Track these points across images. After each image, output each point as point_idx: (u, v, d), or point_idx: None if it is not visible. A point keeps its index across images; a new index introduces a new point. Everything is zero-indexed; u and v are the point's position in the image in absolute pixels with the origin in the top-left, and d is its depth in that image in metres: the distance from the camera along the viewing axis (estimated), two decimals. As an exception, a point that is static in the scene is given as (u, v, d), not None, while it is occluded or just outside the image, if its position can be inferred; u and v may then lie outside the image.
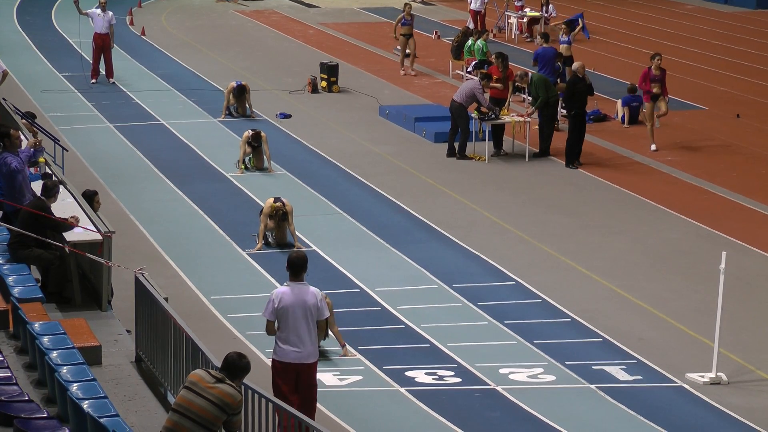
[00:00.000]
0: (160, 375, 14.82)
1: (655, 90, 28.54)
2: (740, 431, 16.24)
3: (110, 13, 34.90)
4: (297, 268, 14.35)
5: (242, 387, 12.21)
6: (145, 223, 23.44)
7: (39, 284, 17.04)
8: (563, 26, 34.27)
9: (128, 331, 16.62)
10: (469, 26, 39.17)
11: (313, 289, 14.39)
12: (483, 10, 42.94)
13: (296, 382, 14.11)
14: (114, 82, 35.35)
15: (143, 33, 42.52)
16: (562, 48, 33.29)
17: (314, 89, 35.13)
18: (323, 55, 39.40)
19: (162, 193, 25.58)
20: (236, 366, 11.80)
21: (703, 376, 17.57)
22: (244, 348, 17.24)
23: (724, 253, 17.84)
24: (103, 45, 34.90)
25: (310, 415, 13.08)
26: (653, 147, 28.69)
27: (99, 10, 34.72)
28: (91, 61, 35.55)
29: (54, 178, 19.49)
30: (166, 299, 15.21)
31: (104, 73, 35.42)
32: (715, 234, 23.58)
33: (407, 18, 37.32)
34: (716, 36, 46.37)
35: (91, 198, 18.01)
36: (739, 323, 18.86)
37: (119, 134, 30.38)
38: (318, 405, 16.20)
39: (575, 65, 28.90)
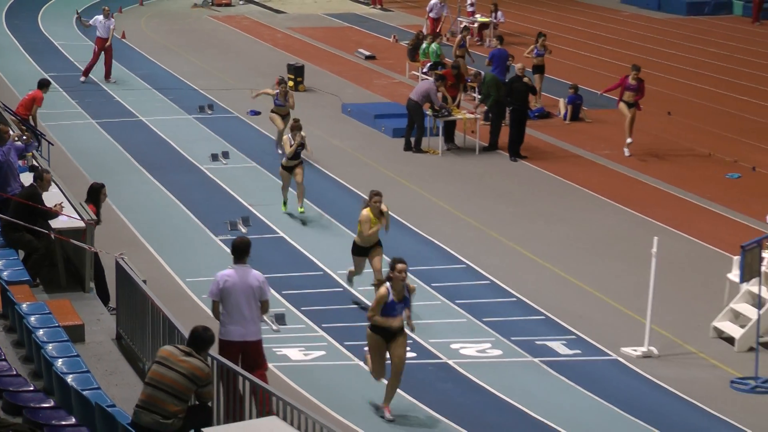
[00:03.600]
0: (139, 351, 14.80)
1: (627, 99, 28.39)
2: (669, 400, 16.33)
3: (112, 20, 35.62)
4: (240, 252, 14.27)
5: (210, 360, 12.23)
6: (125, 211, 23.36)
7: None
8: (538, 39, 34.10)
9: (113, 309, 16.58)
10: (423, 31, 39.10)
11: (255, 272, 14.28)
12: (440, 17, 43.10)
13: (242, 360, 13.99)
14: (115, 82, 35.53)
15: (123, 36, 42.28)
16: (536, 60, 33.29)
17: (282, 88, 35.15)
18: (290, 57, 39.29)
19: (141, 184, 25.52)
20: (202, 339, 11.84)
21: (636, 350, 17.68)
22: (215, 325, 17.19)
23: (655, 238, 17.95)
24: (104, 48, 35.20)
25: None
26: (627, 152, 28.60)
27: (102, 17, 35.26)
28: (89, 61, 35.65)
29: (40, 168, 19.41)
30: (145, 281, 15.19)
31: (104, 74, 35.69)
32: (648, 221, 23.71)
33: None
34: (650, 40, 46.48)
35: (98, 191, 17.86)
36: (669, 302, 18.95)
37: (101, 130, 30.26)
38: (284, 377, 16.31)
39: (517, 66, 29.02)
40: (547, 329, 18.48)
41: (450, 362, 17.23)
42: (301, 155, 23.29)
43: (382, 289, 15.14)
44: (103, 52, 35.32)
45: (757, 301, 17.70)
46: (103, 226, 18.20)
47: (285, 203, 23.58)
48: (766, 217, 19.32)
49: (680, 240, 22.62)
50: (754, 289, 17.84)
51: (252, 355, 14.12)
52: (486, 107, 29.33)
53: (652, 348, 17.67)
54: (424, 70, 34.38)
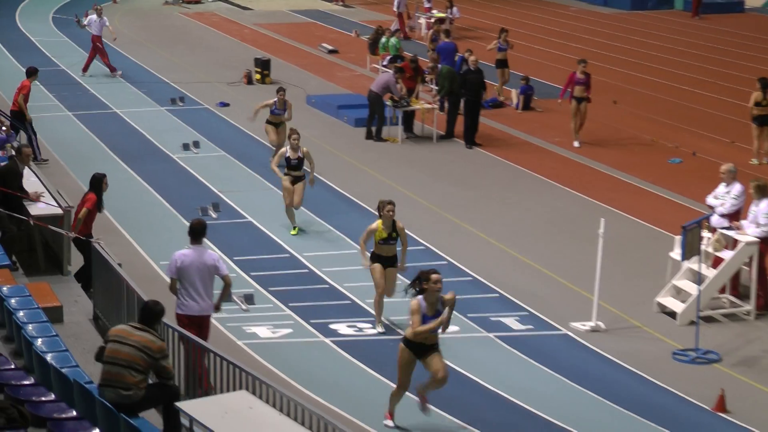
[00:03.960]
0: (115, 330, 14.77)
1: (578, 94, 28.44)
2: (615, 371, 16.41)
3: (105, 18, 36.14)
4: (196, 233, 14.51)
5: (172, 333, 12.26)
6: (101, 198, 23.30)
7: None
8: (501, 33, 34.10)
9: (91, 290, 16.54)
10: (390, 29, 39.07)
11: (210, 251, 14.57)
12: (404, 12, 43.24)
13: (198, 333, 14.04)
14: (120, 75, 35.74)
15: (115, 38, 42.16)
16: (499, 54, 33.31)
17: (249, 81, 35.07)
18: (257, 51, 39.20)
19: (116, 173, 25.31)
20: (152, 311, 12.04)
21: (584, 325, 17.75)
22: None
23: (602, 219, 18.03)
24: (98, 45, 35.55)
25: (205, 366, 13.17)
26: (576, 144, 28.65)
27: (95, 16, 35.68)
28: (102, 59, 35.82)
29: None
30: (120, 265, 15.17)
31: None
32: (595, 203, 23.81)
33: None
34: (596, 34, 46.67)
35: (100, 180, 17.73)
36: (615, 279, 19.05)
37: (78, 122, 30.14)
38: (253, 354, 16.31)
39: (470, 59, 29.08)
40: (501, 306, 18.53)
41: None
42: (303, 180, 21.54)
43: (414, 303, 13.91)
44: (97, 50, 35.54)
45: (698, 278, 17.81)
46: (80, 212, 18.12)
47: (295, 227, 21.71)
48: (706, 199, 19.41)
49: (625, 221, 22.72)
50: (695, 267, 17.96)
51: (204, 329, 14.26)
52: (441, 98, 29.38)
53: (599, 323, 17.75)
54: (384, 63, 34.36)
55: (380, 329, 17.41)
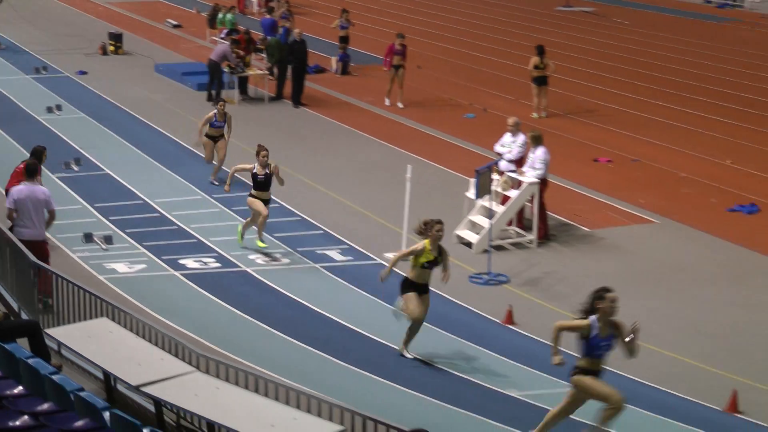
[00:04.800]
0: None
1: (396, 62, 28.44)
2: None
3: None
4: (30, 172, 14.84)
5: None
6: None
7: None
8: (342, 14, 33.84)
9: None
10: (219, 4, 38.54)
11: (42, 187, 14.78)
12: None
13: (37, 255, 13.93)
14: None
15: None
16: (341, 32, 33.01)
17: (104, 52, 34.32)
18: (111, 26, 38.29)
19: (-13, 133, 24.79)
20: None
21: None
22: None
23: (409, 166, 18.21)
24: None
25: (47, 285, 13.16)
26: (399, 105, 28.70)
27: None
28: None
29: None
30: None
31: None
32: (404, 153, 24.01)
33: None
34: (405, 9, 46.84)
35: (41, 153, 17.07)
36: (420, 216, 19.15)
37: (-48, 89, 29.24)
38: (113, 287, 16.11)
39: (295, 31, 29.06)
40: (325, 241, 18.62)
41: (249, 270, 17.24)
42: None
43: (584, 323, 11.02)
44: None
45: (489, 214, 18.14)
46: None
47: (242, 237, 18.15)
48: (494, 147, 19.75)
49: (429, 167, 22.98)
50: (487, 204, 18.27)
51: (39, 251, 14.21)
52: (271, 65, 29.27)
53: (408, 253, 17.95)
54: (222, 35, 33.98)
55: (409, 355, 14.15)
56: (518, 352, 14.46)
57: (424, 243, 13.83)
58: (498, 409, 12.72)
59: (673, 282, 17.29)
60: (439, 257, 13.93)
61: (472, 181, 18.55)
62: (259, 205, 17.68)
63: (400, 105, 28.60)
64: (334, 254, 18.06)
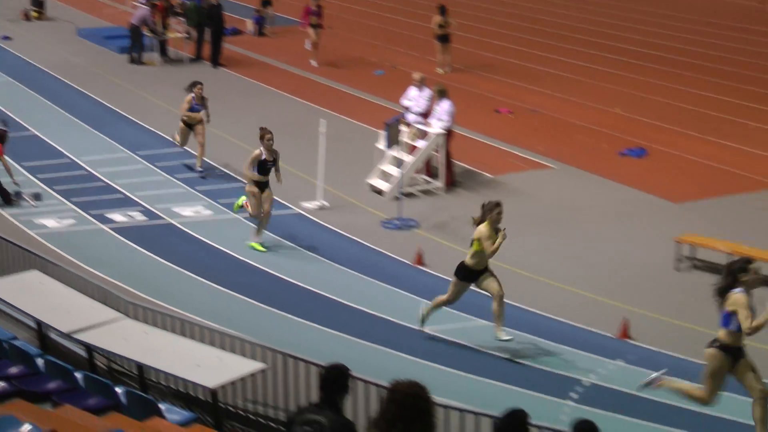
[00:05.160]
0: None
1: (313, 22, 28.22)
2: (338, 238, 16.65)
3: None
4: None
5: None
6: None
7: None
8: None
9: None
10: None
11: None
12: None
13: None
14: None
15: None
16: None
17: (27, 18, 33.63)
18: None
19: None
20: None
21: (311, 204, 17.95)
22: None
23: (323, 121, 18.17)
24: None
25: None
26: (315, 62, 28.48)
27: None
28: None
29: None
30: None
31: None
32: (318, 109, 23.90)
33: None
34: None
35: (2, 134, 16.58)
36: (335, 167, 19.18)
37: None
38: (43, 241, 15.88)
39: None
40: (241, 192, 18.44)
41: (173, 222, 17.10)
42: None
43: (741, 298, 9.55)
44: None
45: (399, 163, 18.18)
46: None
47: (261, 239, 16.03)
48: (400, 101, 19.75)
49: (342, 121, 22.90)
50: (396, 154, 18.31)
51: None
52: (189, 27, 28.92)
53: (324, 202, 17.96)
54: (142, 1, 33.43)
55: (506, 337, 12.46)
56: (428, 291, 14.56)
57: (484, 228, 12.16)
58: (410, 343, 12.82)
59: (568, 222, 17.51)
60: (497, 237, 12.15)
61: (383, 133, 18.57)
62: (264, 198, 15.71)
63: (314, 63, 28.44)
64: (253, 205, 17.93)
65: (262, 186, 15.85)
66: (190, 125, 19.37)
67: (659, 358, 11.75)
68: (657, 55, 30.65)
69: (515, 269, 15.14)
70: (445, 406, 9.09)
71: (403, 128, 18.61)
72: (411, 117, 19.28)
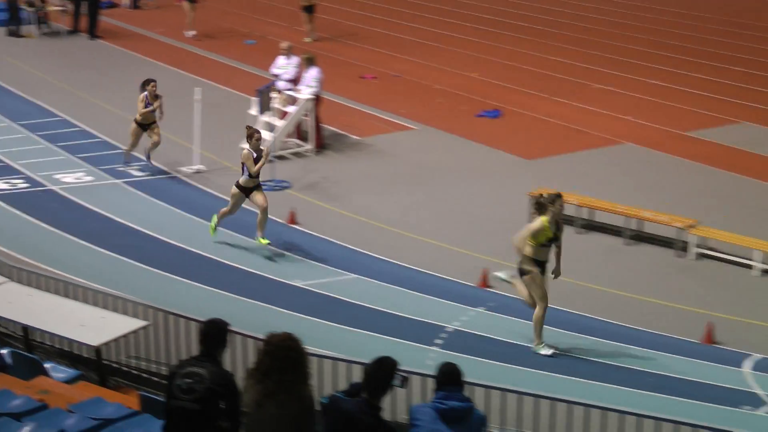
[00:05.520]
0: None
1: None
2: (214, 201, 16.27)
3: None
4: None
5: None
6: None
7: None
8: None
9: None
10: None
11: None
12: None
13: None
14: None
15: None
16: None
17: None
18: None
19: None
20: None
21: (189, 168, 17.67)
22: None
23: (198, 89, 17.88)
24: None
25: None
26: (191, 33, 27.80)
27: None
28: None
29: None
30: None
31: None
32: (192, 77, 23.51)
33: None
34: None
35: None
36: (210, 132, 18.91)
37: None
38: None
39: None
40: (122, 159, 18.08)
41: (55, 188, 16.63)
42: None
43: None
44: None
45: (270, 128, 18.03)
46: None
47: (215, 228, 14.47)
48: (270, 69, 19.57)
49: (215, 89, 22.60)
50: (268, 120, 18.16)
51: None
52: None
53: (200, 166, 17.70)
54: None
55: (548, 351, 11.28)
56: (301, 248, 14.52)
57: (541, 220, 11.05)
58: (285, 297, 12.77)
59: (430, 180, 17.63)
60: (558, 233, 11.14)
61: (255, 99, 18.38)
62: (259, 198, 14.06)
63: (191, 33, 27.93)
64: (133, 170, 17.58)
65: (250, 191, 14.13)
66: (143, 126, 17.32)
67: (517, 305, 11.94)
68: (508, 22, 31.00)
69: (384, 225, 15.19)
70: (319, 356, 9.09)
71: (273, 95, 18.44)
72: (281, 84, 19.11)
